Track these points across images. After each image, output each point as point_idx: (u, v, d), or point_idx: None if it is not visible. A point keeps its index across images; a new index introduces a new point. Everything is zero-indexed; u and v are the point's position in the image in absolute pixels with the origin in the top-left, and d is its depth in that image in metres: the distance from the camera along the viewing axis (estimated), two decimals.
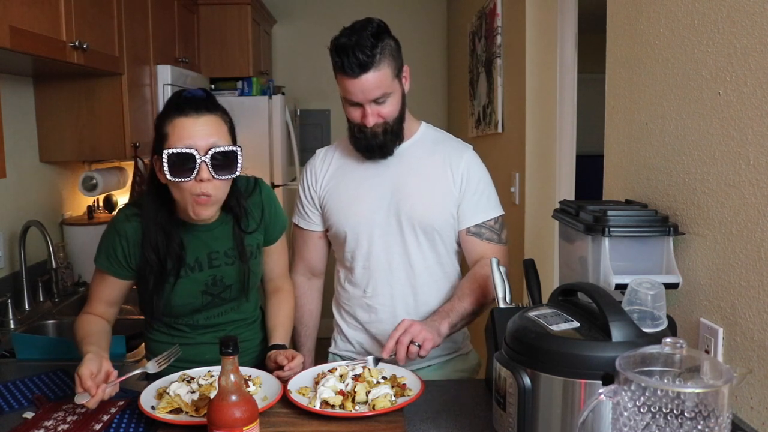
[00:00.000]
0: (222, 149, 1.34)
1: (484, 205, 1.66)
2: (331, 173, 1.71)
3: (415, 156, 1.66)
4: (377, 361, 1.46)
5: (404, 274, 1.65)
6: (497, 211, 1.68)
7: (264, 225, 1.58)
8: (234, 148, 1.37)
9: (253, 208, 1.55)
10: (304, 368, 1.47)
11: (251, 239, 1.55)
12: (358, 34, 1.50)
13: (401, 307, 1.66)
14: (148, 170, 1.48)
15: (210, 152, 1.33)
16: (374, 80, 1.52)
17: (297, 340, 1.84)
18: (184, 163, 1.32)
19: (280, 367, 1.43)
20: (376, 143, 1.59)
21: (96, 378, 1.23)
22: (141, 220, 1.46)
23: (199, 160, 1.32)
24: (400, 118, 1.61)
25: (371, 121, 1.55)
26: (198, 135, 1.33)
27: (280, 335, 1.59)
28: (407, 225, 1.63)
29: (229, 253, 1.52)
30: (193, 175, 1.32)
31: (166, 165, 1.31)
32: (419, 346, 1.41)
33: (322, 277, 1.86)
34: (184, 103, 1.36)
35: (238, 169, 1.38)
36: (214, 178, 1.34)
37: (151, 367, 1.38)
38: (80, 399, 1.21)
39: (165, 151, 1.31)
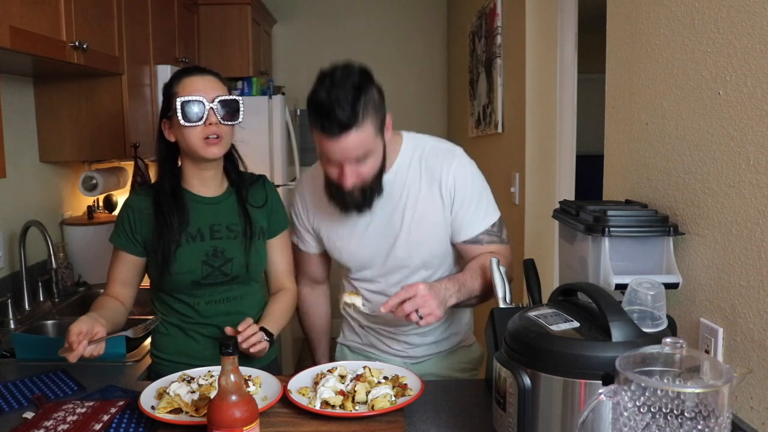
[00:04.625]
0: (226, 97, 1.53)
1: (479, 215, 1.58)
2: (322, 205, 1.61)
3: (401, 186, 1.56)
4: (372, 312, 1.44)
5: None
6: (493, 216, 1.60)
7: (268, 210, 1.67)
8: (236, 97, 1.55)
9: (257, 192, 1.67)
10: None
11: (256, 218, 1.63)
12: (338, 88, 1.36)
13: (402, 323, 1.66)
14: (156, 136, 1.61)
15: (216, 100, 1.51)
16: (356, 140, 1.38)
17: (310, 345, 1.87)
18: (194, 110, 1.50)
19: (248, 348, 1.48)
20: (352, 201, 1.50)
21: (83, 336, 1.33)
22: (152, 190, 1.59)
23: (207, 107, 1.50)
24: (380, 173, 1.50)
25: (350, 182, 1.44)
26: (204, 88, 1.52)
27: (264, 321, 1.60)
28: (406, 263, 1.59)
29: (232, 227, 1.61)
30: (203, 120, 1.50)
31: (179, 112, 1.49)
32: (421, 317, 1.37)
33: (327, 281, 1.85)
34: (190, 68, 1.59)
35: (241, 116, 1.56)
36: (220, 123, 1.52)
37: (130, 332, 1.48)
38: (63, 352, 1.32)
39: (177, 99, 1.49)
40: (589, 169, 2.58)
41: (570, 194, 2.49)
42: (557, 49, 2.49)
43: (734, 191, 1.16)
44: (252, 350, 1.48)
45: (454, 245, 1.62)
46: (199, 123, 1.50)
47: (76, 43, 1.92)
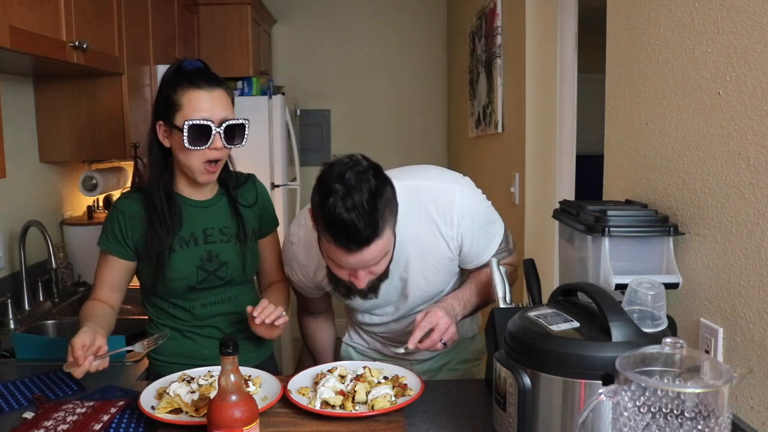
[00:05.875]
0: (234, 122, 1.49)
1: (488, 243, 1.53)
2: (324, 269, 1.51)
3: (403, 238, 1.45)
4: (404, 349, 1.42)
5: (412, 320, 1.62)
6: (498, 237, 1.55)
7: (259, 209, 1.67)
8: (243, 121, 1.52)
9: (247, 192, 1.66)
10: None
11: (248, 219, 1.63)
12: (354, 195, 1.22)
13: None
14: (148, 137, 1.55)
15: (223, 125, 1.47)
16: (375, 251, 1.28)
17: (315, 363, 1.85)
18: (200, 133, 1.46)
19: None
20: (360, 293, 1.44)
21: (87, 350, 1.31)
22: (142, 194, 1.56)
23: (214, 131, 1.46)
24: (389, 264, 1.41)
25: (363, 284, 1.36)
26: (212, 108, 1.47)
27: None
28: (418, 302, 1.58)
29: (225, 230, 1.59)
30: (208, 144, 1.46)
31: (185, 134, 1.44)
32: (444, 343, 1.41)
33: (330, 310, 1.82)
34: (195, 75, 1.49)
35: (245, 139, 1.54)
36: (224, 147, 1.49)
37: (138, 347, 1.47)
38: (68, 367, 1.30)
39: (186, 122, 1.44)
40: (589, 169, 2.58)
41: (570, 194, 2.49)
42: (557, 49, 2.49)
43: (734, 191, 1.16)
44: (277, 323, 1.45)
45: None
46: (203, 147, 1.46)
47: (76, 43, 1.92)
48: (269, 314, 1.44)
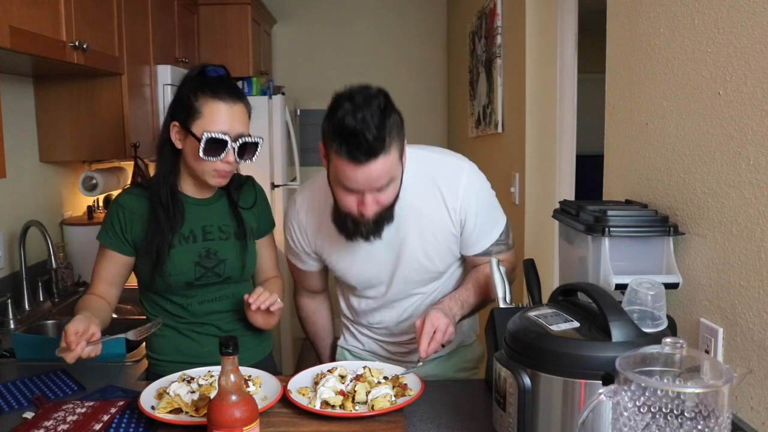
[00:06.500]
0: (249, 140, 1.52)
1: (488, 229, 1.55)
2: (323, 229, 1.57)
3: (406, 204, 1.48)
4: (419, 360, 1.44)
5: (410, 307, 1.64)
6: (500, 225, 1.58)
7: (258, 211, 1.69)
8: (258, 140, 1.54)
9: (246, 194, 1.68)
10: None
11: (247, 219, 1.64)
12: (364, 110, 1.27)
13: (405, 327, 1.67)
14: (161, 134, 1.57)
15: (239, 141, 1.50)
16: (382, 167, 1.30)
17: (317, 352, 1.88)
18: (216, 146, 1.47)
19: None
20: (365, 230, 1.42)
21: (80, 336, 1.32)
22: (144, 190, 1.58)
23: (229, 146, 1.48)
24: (395, 200, 1.42)
25: (371, 211, 1.36)
26: (231, 122, 1.49)
27: None
28: (414, 278, 1.59)
29: (224, 228, 1.61)
30: (221, 157, 1.49)
31: (202, 144, 1.46)
32: (443, 345, 1.43)
33: (326, 290, 1.84)
34: (219, 86, 1.50)
35: (257, 155, 1.57)
36: (236, 161, 1.52)
37: (131, 335, 1.47)
38: (60, 352, 1.31)
39: (204, 134, 1.46)
40: (589, 169, 2.58)
41: (570, 194, 2.49)
42: (557, 49, 2.49)
43: (734, 191, 1.16)
44: (272, 309, 1.50)
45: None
46: (217, 159, 1.48)
47: (76, 43, 1.92)
48: (264, 300, 1.49)
